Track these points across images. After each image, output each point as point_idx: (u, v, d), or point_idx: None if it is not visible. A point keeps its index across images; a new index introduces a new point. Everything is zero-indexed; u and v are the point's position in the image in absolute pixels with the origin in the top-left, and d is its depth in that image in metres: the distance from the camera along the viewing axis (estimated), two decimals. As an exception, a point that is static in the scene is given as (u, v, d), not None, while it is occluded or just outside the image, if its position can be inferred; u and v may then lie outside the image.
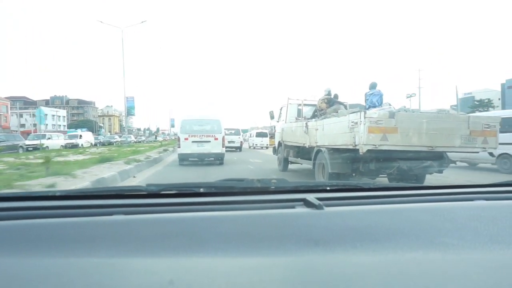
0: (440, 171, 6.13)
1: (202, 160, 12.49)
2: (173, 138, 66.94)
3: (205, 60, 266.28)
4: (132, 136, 62.61)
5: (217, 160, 12.45)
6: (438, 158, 6.04)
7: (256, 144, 28.31)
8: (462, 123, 5.69)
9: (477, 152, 6.04)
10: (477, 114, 13.32)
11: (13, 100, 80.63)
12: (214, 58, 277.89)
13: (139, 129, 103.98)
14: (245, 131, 36.25)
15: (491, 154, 5.89)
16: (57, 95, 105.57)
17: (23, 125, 67.53)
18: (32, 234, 0.85)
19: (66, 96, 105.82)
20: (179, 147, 12.17)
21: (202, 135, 12.14)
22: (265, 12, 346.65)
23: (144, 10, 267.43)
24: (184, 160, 12.17)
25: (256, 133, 29.51)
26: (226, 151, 13.17)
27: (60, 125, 78.52)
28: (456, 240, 0.87)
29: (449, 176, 7.42)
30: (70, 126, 78.12)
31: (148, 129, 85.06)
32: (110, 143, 36.25)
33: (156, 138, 61.71)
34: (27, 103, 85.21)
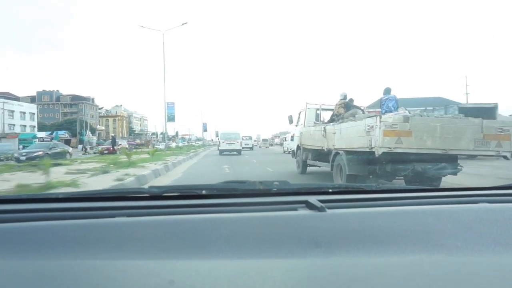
0: (454, 173, 6.34)
1: (230, 152, 25.35)
2: (192, 143, 56.72)
3: (226, 67, 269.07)
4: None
5: (238, 152, 25.30)
6: (452, 160, 6.28)
7: (290, 148, 24.23)
8: (475, 127, 5.91)
9: (492, 156, 6.23)
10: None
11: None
12: (236, 65, 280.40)
13: (153, 133, 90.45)
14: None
15: (505, 157, 6.05)
16: (46, 89, 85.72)
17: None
18: (35, 236, 0.86)
19: (57, 91, 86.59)
20: (219, 145, 26.98)
21: (230, 140, 25.83)
22: (293, 20, 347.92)
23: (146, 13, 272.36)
24: (222, 152, 25.50)
25: (291, 137, 26.94)
26: (243, 150, 28.80)
27: (25, 126, 58.05)
28: (460, 243, 0.87)
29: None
30: (42, 128, 58.19)
31: (162, 133, 75.59)
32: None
33: (146, 144, 46.91)
34: (9, 100, 62.40)
